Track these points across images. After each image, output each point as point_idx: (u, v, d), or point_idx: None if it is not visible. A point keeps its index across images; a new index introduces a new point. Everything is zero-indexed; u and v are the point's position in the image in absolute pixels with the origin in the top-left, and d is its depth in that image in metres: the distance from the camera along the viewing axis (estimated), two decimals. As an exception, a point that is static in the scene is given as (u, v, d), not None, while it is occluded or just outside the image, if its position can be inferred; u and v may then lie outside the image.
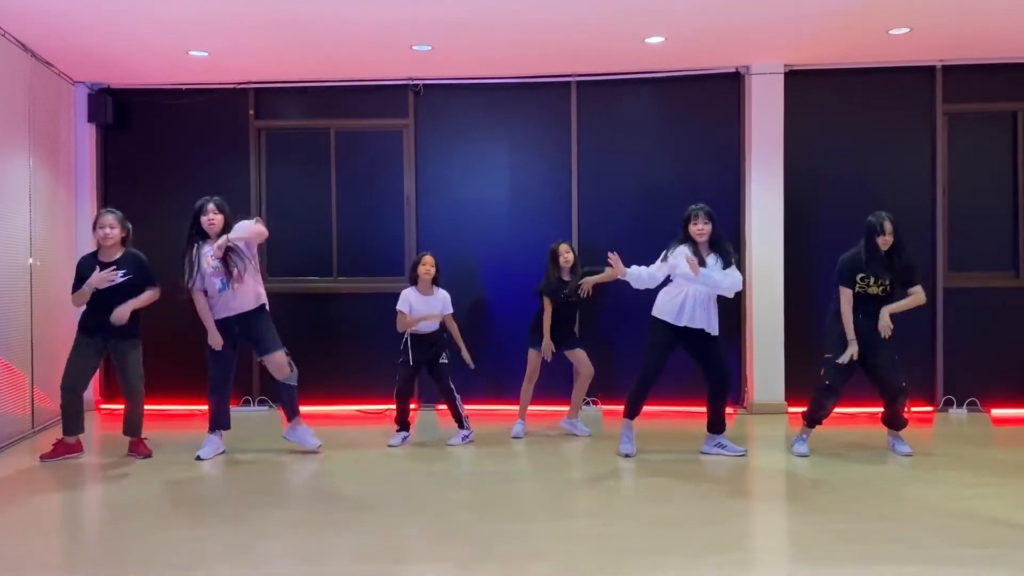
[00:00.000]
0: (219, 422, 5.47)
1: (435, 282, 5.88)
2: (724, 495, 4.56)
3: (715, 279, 5.13)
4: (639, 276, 5.30)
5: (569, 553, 3.65)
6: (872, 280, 5.20)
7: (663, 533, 3.89)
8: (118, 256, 5.34)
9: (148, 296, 5.37)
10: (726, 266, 5.21)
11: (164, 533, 3.95)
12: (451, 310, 5.92)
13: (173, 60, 6.54)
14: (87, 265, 5.35)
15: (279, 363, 5.43)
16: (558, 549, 3.70)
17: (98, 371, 6.91)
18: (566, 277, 5.98)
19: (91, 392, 7.04)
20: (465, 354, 5.95)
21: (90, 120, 7.04)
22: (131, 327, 5.36)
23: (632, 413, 5.42)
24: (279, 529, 4.03)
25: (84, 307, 5.37)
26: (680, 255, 5.19)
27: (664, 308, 5.28)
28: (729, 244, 5.38)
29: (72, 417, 5.37)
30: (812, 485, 4.76)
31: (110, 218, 5.35)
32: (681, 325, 5.19)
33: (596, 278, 5.74)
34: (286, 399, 5.59)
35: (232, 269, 5.25)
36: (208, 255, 5.28)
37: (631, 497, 4.55)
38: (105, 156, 7.21)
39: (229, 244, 5.17)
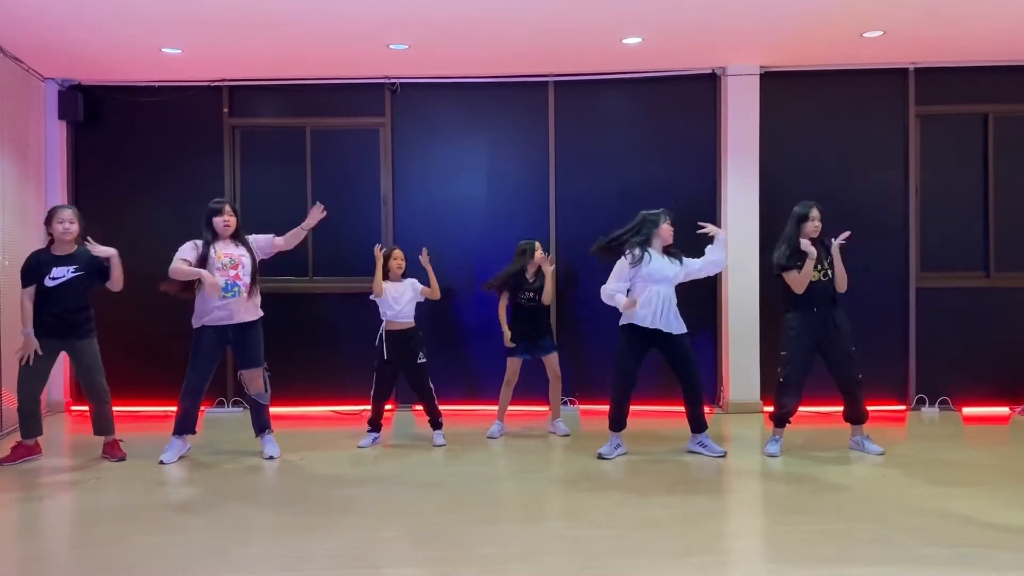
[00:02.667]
0: (185, 426, 5.39)
1: (404, 275, 5.90)
2: (701, 496, 4.58)
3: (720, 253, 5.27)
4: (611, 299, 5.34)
5: (548, 555, 3.64)
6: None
7: (641, 534, 3.90)
8: (73, 251, 5.25)
9: (121, 272, 5.30)
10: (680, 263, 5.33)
11: (135, 538, 3.90)
12: (419, 292, 5.91)
13: (146, 57, 6.44)
14: (43, 260, 5.23)
15: (255, 377, 5.39)
16: (537, 551, 3.69)
17: (68, 373, 6.85)
18: (531, 277, 6.00)
19: (61, 394, 6.98)
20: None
21: (60, 117, 6.92)
22: (85, 324, 5.28)
23: (616, 424, 5.40)
24: (254, 533, 3.99)
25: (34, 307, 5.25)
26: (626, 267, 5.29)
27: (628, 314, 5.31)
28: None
29: (29, 421, 5.29)
30: (787, 485, 4.79)
31: (69, 212, 5.27)
32: (646, 327, 5.22)
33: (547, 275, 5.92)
34: (254, 415, 5.54)
35: (246, 280, 5.24)
36: (221, 251, 5.23)
37: (610, 498, 4.54)
38: (76, 154, 7.09)
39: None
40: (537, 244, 6.06)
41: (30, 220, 6.66)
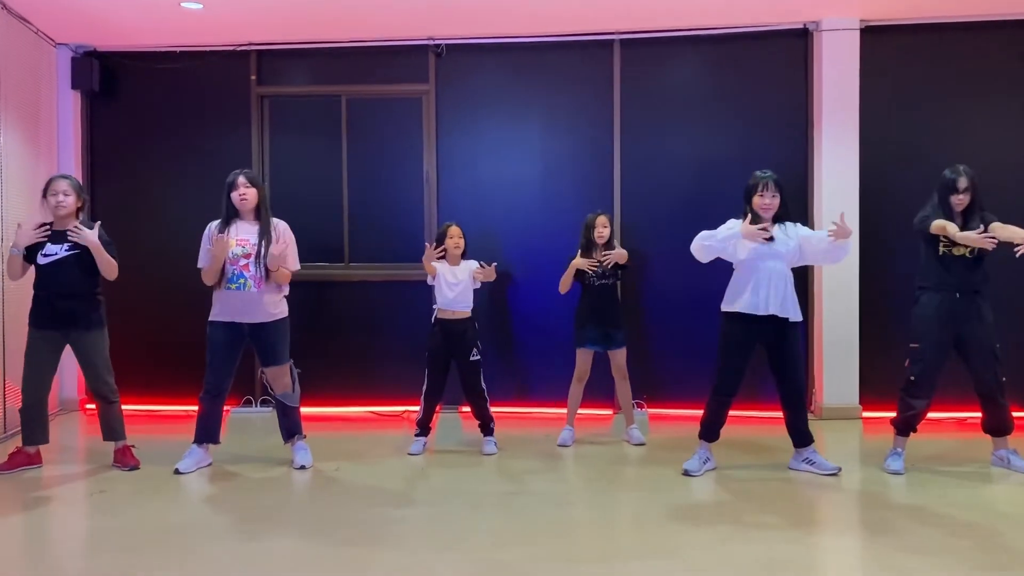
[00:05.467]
0: (206, 434, 4.73)
1: (464, 256, 5.21)
2: (819, 527, 3.78)
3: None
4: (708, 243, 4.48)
5: (643, 610, 2.86)
6: (949, 248, 4.41)
7: (757, 580, 3.09)
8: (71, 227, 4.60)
9: (109, 261, 4.60)
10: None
11: (138, 572, 3.20)
12: (474, 276, 5.16)
13: (165, 16, 5.80)
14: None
15: (278, 373, 4.70)
16: (628, 603, 2.92)
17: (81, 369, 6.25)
18: (600, 256, 5.27)
19: (74, 391, 6.38)
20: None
21: (74, 86, 6.35)
22: (91, 314, 4.63)
23: (708, 434, 4.61)
24: (280, 568, 3.27)
25: (33, 294, 4.66)
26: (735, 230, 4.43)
27: (735, 298, 4.48)
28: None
29: (34, 426, 4.66)
30: (916, 513, 3.93)
31: (63, 183, 4.62)
32: (760, 314, 4.38)
33: (614, 255, 5.15)
34: (281, 418, 4.85)
35: (258, 271, 4.53)
36: (236, 238, 4.54)
37: (712, 530, 3.70)
38: (91, 126, 6.49)
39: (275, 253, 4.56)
40: (599, 219, 5.31)
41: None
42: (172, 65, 6.39)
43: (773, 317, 4.38)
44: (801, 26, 6.03)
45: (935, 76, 6.00)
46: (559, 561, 3.31)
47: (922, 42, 5.99)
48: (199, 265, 4.65)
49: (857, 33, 5.89)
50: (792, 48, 6.10)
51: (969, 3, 5.63)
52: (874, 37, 5.92)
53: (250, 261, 4.54)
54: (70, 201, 4.58)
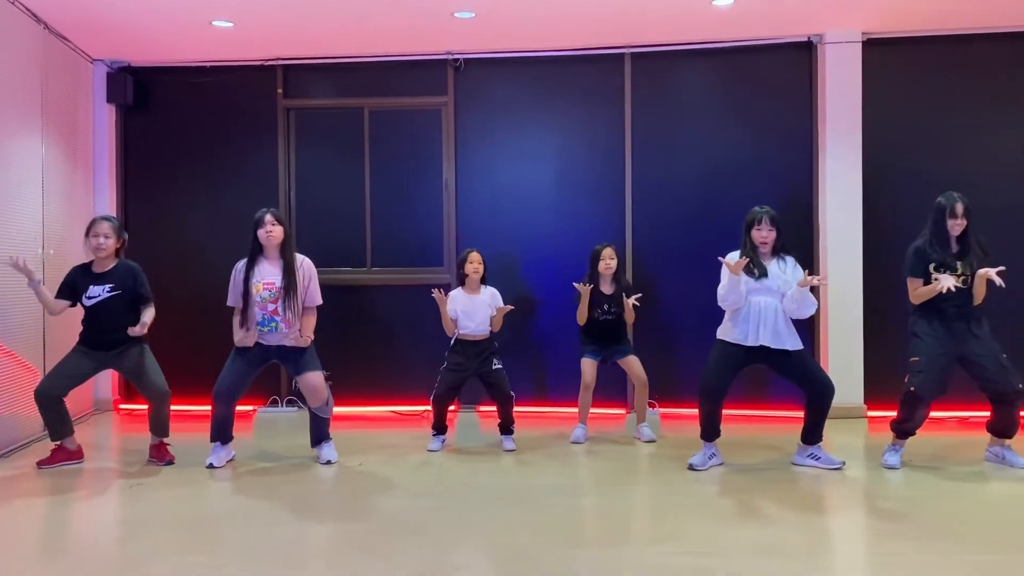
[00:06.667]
0: (222, 435, 4.95)
1: (483, 281, 5.39)
2: (823, 515, 3.97)
3: (798, 298, 4.54)
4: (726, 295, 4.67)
5: (649, 589, 3.08)
6: (946, 271, 4.55)
7: (762, 563, 3.30)
8: (111, 267, 4.87)
9: (151, 315, 4.87)
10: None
11: (176, 557, 3.44)
12: (494, 308, 5.38)
13: (196, 33, 6.06)
14: (78, 276, 4.88)
15: (315, 384, 4.86)
16: (635, 583, 3.13)
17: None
18: (606, 288, 5.48)
19: (109, 391, 6.65)
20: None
21: (109, 100, 6.61)
22: (133, 337, 4.87)
23: (706, 434, 4.80)
24: (307, 554, 3.51)
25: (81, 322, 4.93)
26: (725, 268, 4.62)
27: (726, 328, 4.70)
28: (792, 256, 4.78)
29: (56, 423, 4.87)
30: (911, 503, 4.13)
31: (106, 226, 4.86)
32: (749, 344, 4.60)
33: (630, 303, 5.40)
34: (313, 426, 5.07)
35: (287, 312, 4.78)
36: (262, 282, 4.77)
37: (711, 518, 3.92)
38: (125, 138, 6.76)
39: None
40: (606, 251, 5.52)
41: (78, 208, 6.34)
42: (203, 79, 6.65)
43: (764, 347, 4.58)
44: (805, 39, 6.21)
45: (936, 87, 6.16)
46: (570, 546, 3.53)
47: (923, 54, 6.15)
48: (228, 303, 4.88)
49: (859, 46, 6.06)
50: (797, 61, 6.27)
51: (969, 16, 5.79)
52: (876, 49, 6.09)
53: (278, 305, 4.77)
54: (110, 244, 4.84)
